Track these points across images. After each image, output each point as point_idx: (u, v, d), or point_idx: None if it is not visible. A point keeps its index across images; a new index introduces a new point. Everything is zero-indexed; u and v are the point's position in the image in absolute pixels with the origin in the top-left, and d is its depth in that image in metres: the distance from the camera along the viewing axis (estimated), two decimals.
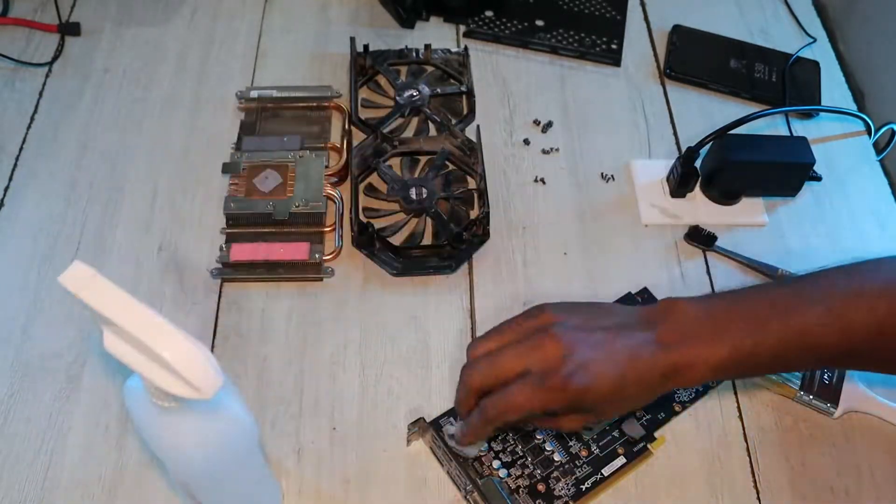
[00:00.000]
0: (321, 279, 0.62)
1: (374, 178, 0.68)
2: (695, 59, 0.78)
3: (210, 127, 0.71)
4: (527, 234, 0.66)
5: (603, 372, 0.45)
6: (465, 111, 0.72)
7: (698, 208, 0.68)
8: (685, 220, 0.67)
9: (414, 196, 0.65)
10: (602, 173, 0.70)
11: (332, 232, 0.64)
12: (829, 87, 0.77)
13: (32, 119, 0.71)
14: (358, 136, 0.70)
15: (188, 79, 0.75)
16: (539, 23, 0.79)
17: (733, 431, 0.56)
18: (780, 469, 0.55)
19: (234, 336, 0.59)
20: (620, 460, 0.54)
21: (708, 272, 0.64)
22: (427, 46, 0.75)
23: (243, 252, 0.62)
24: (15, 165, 0.68)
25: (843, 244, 0.66)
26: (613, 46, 0.78)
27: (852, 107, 0.77)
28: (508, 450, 0.54)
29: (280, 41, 0.78)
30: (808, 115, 0.75)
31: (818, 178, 0.69)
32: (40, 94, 0.73)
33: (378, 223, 0.63)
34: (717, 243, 0.65)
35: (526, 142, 0.71)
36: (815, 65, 0.78)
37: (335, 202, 0.66)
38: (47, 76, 0.74)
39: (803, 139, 0.67)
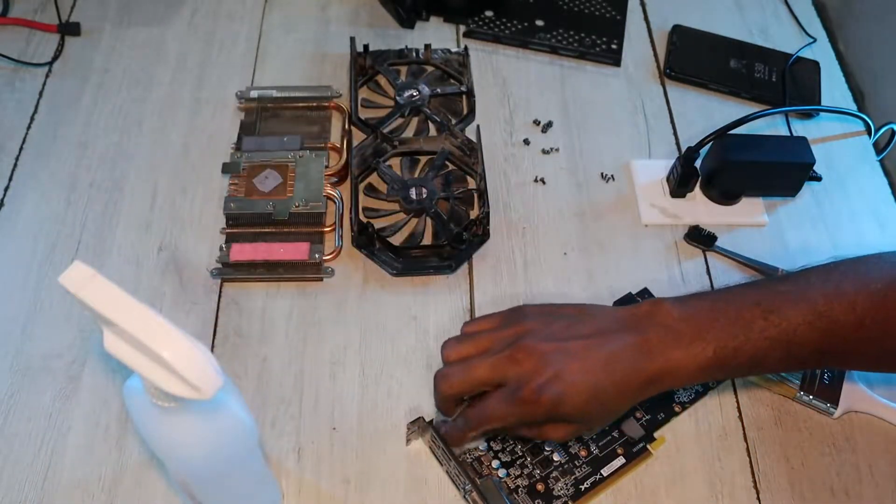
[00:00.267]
0: (321, 279, 0.62)
1: (374, 178, 0.68)
2: (695, 59, 0.78)
3: (210, 127, 0.71)
4: (527, 234, 0.66)
5: (576, 381, 0.46)
6: (465, 111, 0.72)
7: (698, 208, 0.68)
8: (685, 220, 0.67)
9: (414, 196, 0.65)
10: (602, 173, 0.70)
11: (332, 232, 0.64)
12: (829, 87, 0.77)
13: (32, 119, 0.71)
14: (358, 136, 0.70)
15: (188, 79, 0.75)
16: (539, 23, 0.79)
17: (733, 431, 0.56)
18: (780, 469, 0.55)
19: (234, 336, 0.59)
20: (620, 460, 0.54)
21: (708, 272, 0.64)
22: (427, 46, 0.75)
23: (243, 252, 0.62)
24: (15, 165, 0.68)
25: (843, 244, 0.66)
26: (613, 46, 0.78)
27: (852, 107, 0.77)
28: (507, 449, 0.54)
29: (280, 41, 0.78)
30: (808, 115, 0.75)
31: (818, 178, 0.69)
32: (40, 94, 0.73)
33: (378, 223, 0.63)
34: (717, 243, 0.65)
35: (526, 142, 0.71)
36: (815, 65, 0.78)
37: (335, 202, 0.66)
38: (47, 76, 0.74)
39: (803, 139, 0.67)
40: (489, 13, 0.79)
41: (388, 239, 0.62)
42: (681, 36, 0.79)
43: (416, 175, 0.67)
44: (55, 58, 0.76)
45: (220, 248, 0.62)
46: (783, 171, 0.66)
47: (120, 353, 0.34)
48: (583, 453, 0.54)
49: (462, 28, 0.79)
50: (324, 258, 0.62)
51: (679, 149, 0.72)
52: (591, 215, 0.67)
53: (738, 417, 0.57)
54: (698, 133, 0.67)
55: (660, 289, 0.62)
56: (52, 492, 0.52)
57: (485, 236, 0.64)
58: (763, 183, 0.67)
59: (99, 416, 0.55)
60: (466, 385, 0.48)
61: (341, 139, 0.69)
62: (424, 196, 0.65)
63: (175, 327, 0.33)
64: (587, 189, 0.69)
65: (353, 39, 0.75)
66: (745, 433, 0.56)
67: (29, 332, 0.59)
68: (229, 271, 0.62)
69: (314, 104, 0.72)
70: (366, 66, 0.74)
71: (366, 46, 0.74)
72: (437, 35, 0.79)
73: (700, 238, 0.65)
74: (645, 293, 0.62)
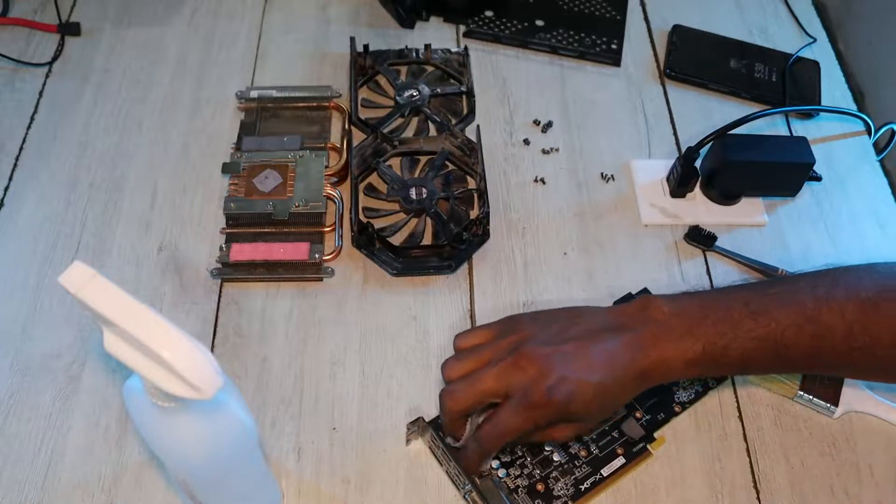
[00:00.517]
0: (321, 279, 0.62)
1: (374, 178, 0.68)
2: (695, 59, 0.78)
3: (210, 127, 0.71)
4: (527, 234, 0.66)
5: (583, 380, 0.46)
6: (465, 111, 0.72)
7: (698, 208, 0.68)
8: (685, 220, 0.67)
9: (414, 196, 0.65)
10: (602, 173, 0.70)
11: (332, 232, 0.64)
12: (829, 87, 0.77)
13: (32, 119, 0.71)
14: (358, 136, 0.70)
15: (188, 79, 0.75)
16: (539, 23, 0.79)
17: (733, 431, 0.56)
18: (780, 469, 0.55)
19: (234, 336, 0.59)
20: (620, 460, 0.54)
21: (708, 272, 0.64)
22: (427, 46, 0.75)
23: (243, 252, 0.62)
24: (15, 165, 0.68)
25: (843, 244, 0.66)
26: (613, 46, 0.78)
27: (852, 107, 0.77)
28: (507, 450, 0.54)
29: (280, 41, 0.78)
30: (808, 115, 0.75)
31: (818, 178, 0.69)
32: (40, 94, 0.73)
33: (378, 223, 0.63)
34: (717, 243, 0.65)
35: (526, 142, 0.71)
36: (815, 65, 0.78)
37: (335, 202, 0.66)
38: (47, 76, 0.74)
39: (803, 139, 0.67)
40: (489, 13, 0.79)
41: (388, 239, 0.62)
42: (681, 36, 0.79)
43: (416, 175, 0.67)
44: (55, 58, 0.76)
45: (220, 248, 0.62)
46: (783, 171, 0.66)
47: (120, 353, 0.34)
48: (583, 453, 0.54)
49: (462, 28, 0.79)
50: (324, 258, 0.62)
51: (679, 149, 0.72)
52: (591, 215, 0.67)
53: (738, 417, 0.57)
54: (698, 133, 0.67)
55: (660, 289, 0.62)
56: (52, 492, 0.52)
57: (485, 236, 0.64)
58: (763, 183, 0.67)
59: (99, 416, 0.55)
60: (473, 398, 0.48)
61: (341, 139, 0.69)
62: (424, 196, 0.65)
63: (175, 327, 0.33)
64: (587, 189, 0.69)
65: (353, 39, 0.75)
66: (745, 433, 0.56)
67: (29, 332, 0.59)
68: (229, 271, 0.62)
69: (314, 104, 0.72)
70: (366, 66, 0.74)
71: (366, 46, 0.74)
72: (437, 35, 0.79)
73: (700, 238, 0.65)
74: (645, 293, 0.62)
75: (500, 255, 0.65)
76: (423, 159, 0.69)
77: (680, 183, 0.67)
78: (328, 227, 0.64)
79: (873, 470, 0.55)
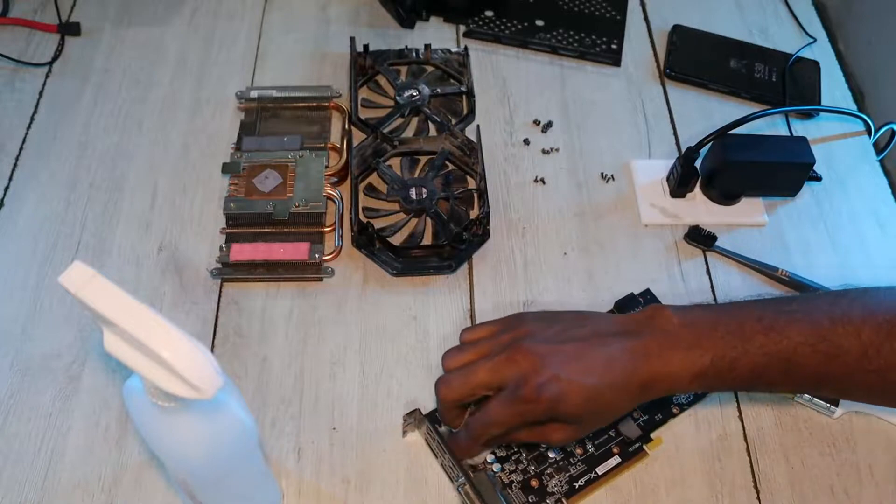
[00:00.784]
0: (321, 279, 0.62)
1: (374, 178, 0.68)
2: (695, 59, 0.78)
3: (210, 127, 0.71)
4: (527, 234, 0.66)
5: (575, 381, 0.46)
6: (465, 111, 0.72)
7: (698, 208, 0.68)
8: (685, 220, 0.67)
9: (414, 196, 0.65)
10: (602, 173, 0.70)
11: (332, 232, 0.64)
12: (829, 87, 0.77)
13: (32, 119, 0.71)
14: (358, 136, 0.70)
15: (188, 79, 0.75)
16: (539, 23, 0.79)
17: (733, 431, 0.56)
18: (780, 469, 0.55)
19: (234, 336, 0.59)
20: (615, 459, 0.54)
21: (708, 272, 0.64)
22: (427, 46, 0.75)
23: (243, 252, 0.62)
24: (15, 165, 0.68)
25: (843, 244, 0.66)
26: (613, 46, 0.78)
27: (852, 107, 0.77)
28: (503, 445, 0.54)
29: (280, 41, 0.78)
30: (808, 115, 0.75)
31: (818, 178, 0.69)
32: (40, 94, 0.73)
33: (378, 223, 0.63)
34: (717, 243, 0.65)
35: (526, 142, 0.71)
36: (815, 65, 0.78)
37: (335, 202, 0.66)
38: (47, 76, 0.74)
39: (803, 139, 0.67)
40: (489, 13, 0.79)
41: (388, 239, 0.62)
42: (681, 36, 0.79)
43: (416, 175, 0.67)
44: (55, 58, 0.76)
45: (220, 248, 0.62)
46: (783, 171, 0.66)
47: (120, 353, 0.34)
48: (578, 451, 0.54)
49: (462, 28, 0.79)
50: (324, 258, 0.62)
51: (679, 149, 0.72)
52: (591, 215, 0.67)
53: (738, 417, 0.57)
54: (698, 133, 0.67)
55: (660, 289, 0.62)
56: (52, 492, 0.52)
57: (485, 236, 0.64)
58: (763, 183, 0.67)
59: (99, 416, 0.55)
60: (466, 389, 0.48)
61: (341, 139, 0.69)
62: (424, 196, 0.65)
63: (175, 327, 0.33)
64: (587, 189, 0.69)
65: (353, 39, 0.75)
66: (745, 433, 0.56)
67: (29, 332, 0.59)
68: (229, 271, 0.62)
69: (314, 104, 0.72)
70: (366, 66, 0.74)
71: (366, 46, 0.74)
72: (437, 35, 0.79)
73: (700, 238, 0.65)
74: (647, 294, 0.62)
75: (500, 255, 0.65)
76: (423, 159, 0.69)
77: (680, 183, 0.67)
78: (328, 227, 0.64)
79: (873, 470, 0.55)
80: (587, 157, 0.71)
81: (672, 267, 0.64)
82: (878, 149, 0.74)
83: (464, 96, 0.73)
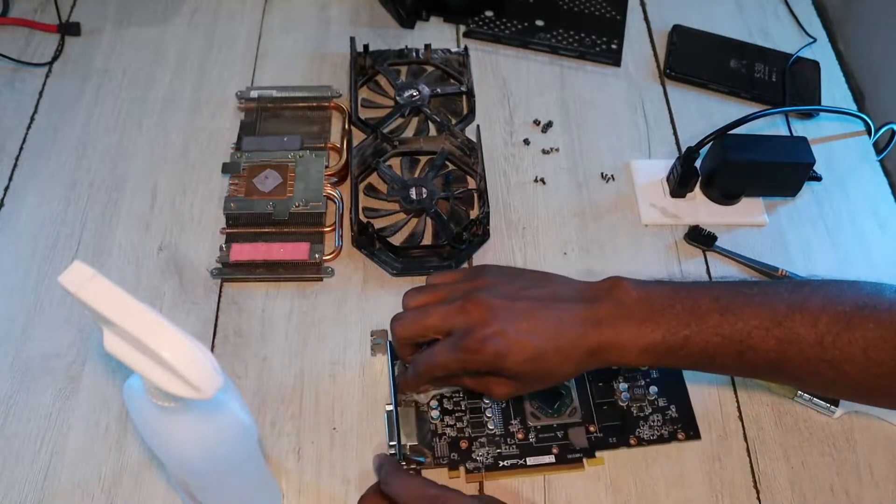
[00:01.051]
0: (321, 279, 0.62)
1: (374, 178, 0.68)
2: (695, 59, 0.78)
3: (210, 127, 0.71)
4: (527, 234, 0.66)
5: (521, 339, 0.46)
6: (465, 111, 0.72)
7: (698, 208, 0.68)
8: (685, 220, 0.67)
9: (414, 196, 0.65)
10: (602, 173, 0.70)
11: (332, 232, 0.64)
12: (829, 87, 0.77)
13: (32, 119, 0.71)
14: (358, 136, 0.70)
15: (188, 79, 0.75)
16: (539, 23, 0.79)
17: (733, 431, 0.56)
18: (780, 469, 0.55)
19: (234, 336, 0.59)
20: (549, 458, 0.53)
21: (708, 272, 0.64)
22: (427, 46, 0.75)
23: (243, 252, 0.62)
24: (15, 165, 0.68)
25: (843, 244, 0.66)
26: (613, 46, 0.78)
27: (852, 107, 0.77)
28: (454, 400, 0.55)
29: (280, 41, 0.78)
30: (808, 115, 0.75)
31: (818, 178, 0.69)
32: (40, 94, 0.73)
33: (378, 223, 0.63)
34: (717, 243, 0.65)
35: (526, 142, 0.71)
36: (815, 65, 0.78)
37: (335, 202, 0.66)
38: (47, 76, 0.74)
39: (803, 139, 0.67)
40: (489, 13, 0.79)
41: (388, 239, 0.62)
42: (681, 36, 0.79)
43: (416, 175, 0.67)
44: (55, 58, 0.76)
45: (220, 248, 0.62)
46: (783, 171, 0.66)
47: (120, 353, 0.34)
48: (519, 435, 0.54)
49: (462, 28, 0.79)
50: (324, 258, 0.62)
51: (679, 149, 0.72)
52: (591, 215, 0.67)
53: (738, 417, 0.57)
54: (698, 133, 0.67)
55: None
56: (52, 492, 0.52)
57: (485, 236, 0.64)
58: (763, 183, 0.67)
59: (99, 416, 0.55)
60: (418, 329, 0.50)
61: (341, 139, 0.69)
62: (424, 196, 0.65)
63: (175, 327, 0.33)
64: (587, 189, 0.69)
65: (353, 39, 0.75)
66: (745, 433, 0.56)
67: (29, 332, 0.59)
68: (229, 271, 0.62)
69: (314, 104, 0.71)
70: (366, 66, 0.74)
71: (366, 46, 0.74)
72: (437, 35, 0.79)
73: (700, 238, 0.65)
74: None
75: (500, 255, 0.65)
76: (423, 159, 0.69)
77: (680, 183, 0.67)
78: (328, 227, 0.64)
79: (873, 470, 0.55)
80: (587, 157, 0.71)
81: (672, 267, 0.64)
82: (878, 149, 0.74)
83: (464, 96, 0.73)
